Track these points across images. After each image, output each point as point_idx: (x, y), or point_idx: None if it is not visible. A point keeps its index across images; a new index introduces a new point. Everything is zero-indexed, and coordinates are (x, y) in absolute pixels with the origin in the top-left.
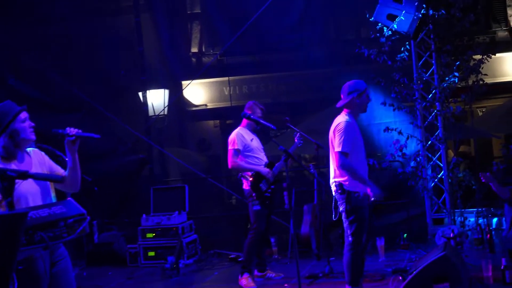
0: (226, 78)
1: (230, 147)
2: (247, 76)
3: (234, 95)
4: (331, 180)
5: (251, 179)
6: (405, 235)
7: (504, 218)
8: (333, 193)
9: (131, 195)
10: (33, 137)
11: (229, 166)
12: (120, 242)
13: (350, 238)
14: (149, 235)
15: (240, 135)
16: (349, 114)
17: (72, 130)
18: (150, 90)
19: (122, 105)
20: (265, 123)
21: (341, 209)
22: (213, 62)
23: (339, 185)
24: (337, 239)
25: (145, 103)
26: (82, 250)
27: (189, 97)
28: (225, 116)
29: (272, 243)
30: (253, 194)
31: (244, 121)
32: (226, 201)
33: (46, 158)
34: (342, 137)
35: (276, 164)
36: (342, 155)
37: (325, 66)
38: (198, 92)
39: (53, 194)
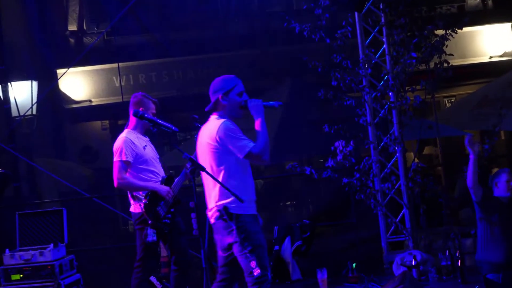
0: (115, 65)
1: (116, 159)
2: (144, 62)
3: (127, 86)
4: (211, 205)
5: (144, 201)
6: (354, 264)
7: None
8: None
9: None
10: None
11: (115, 184)
12: None
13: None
14: (15, 276)
15: (129, 142)
16: (222, 117)
17: None
18: (13, 83)
19: None
20: (165, 123)
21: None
22: (97, 43)
23: (224, 209)
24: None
25: (6, 100)
26: None
27: (67, 91)
28: (116, 115)
29: None
30: (149, 222)
31: (133, 121)
32: (121, 228)
33: None
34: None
35: (176, 179)
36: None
37: (246, 46)
38: (78, 83)
39: None
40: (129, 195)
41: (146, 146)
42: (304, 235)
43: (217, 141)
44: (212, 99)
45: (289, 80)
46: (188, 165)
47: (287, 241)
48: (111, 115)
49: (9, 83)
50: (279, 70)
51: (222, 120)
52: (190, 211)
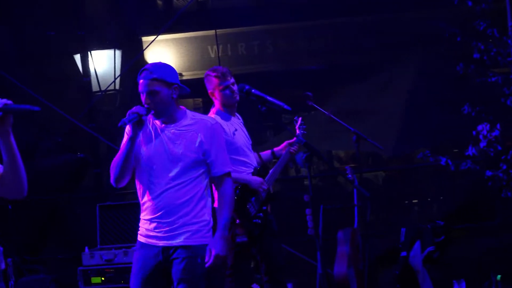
0: (211, 32)
1: None
2: (245, 29)
3: (225, 58)
4: None
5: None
6: (499, 276)
7: None
8: None
9: (64, 218)
10: None
11: None
12: None
13: None
14: (95, 279)
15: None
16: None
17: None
18: (93, 52)
19: (47, 75)
20: (276, 101)
21: None
22: (190, 6)
23: None
24: (392, 284)
25: (85, 72)
26: None
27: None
28: None
29: None
30: (236, 221)
31: (218, 100)
32: None
33: None
34: None
35: (271, 170)
36: None
37: (366, 11)
38: (167, 54)
39: None
40: (214, 189)
41: (236, 130)
42: (437, 239)
43: None
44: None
45: (418, 52)
46: (291, 150)
47: (416, 246)
48: (205, 91)
49: (88, 52)
50: (406, 40)
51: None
52: (287, 209)
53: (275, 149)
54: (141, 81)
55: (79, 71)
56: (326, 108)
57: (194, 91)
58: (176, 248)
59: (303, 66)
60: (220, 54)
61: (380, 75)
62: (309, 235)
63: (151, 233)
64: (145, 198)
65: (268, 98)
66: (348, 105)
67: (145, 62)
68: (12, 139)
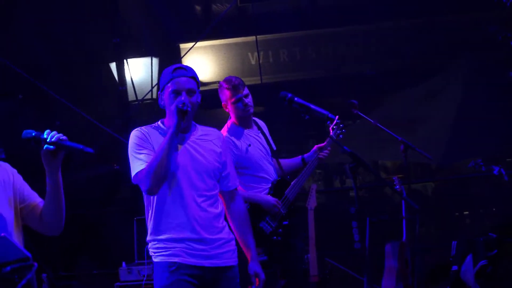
0: (252, 38)
1: None
2: (287, 34)
3: (266, 65)
4: None
5: None
6: None
7: None
8: None
9: (100, 233)
10: None
11: None
12: None
13: None
14: None
15: (230, 143)
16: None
17: (53, 135)
18: (129, 60)
19: (83, 85)
20: (320, 109)
21: None
22: (230, 11)
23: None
24: None
25: (121, 81)
26: None
27: None
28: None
29: None
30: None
31: (233, 114)
32: None
33: (18, 177)
34: None
35: (293, 181)
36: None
37: (411, 14)
38: (206, 61)
39: (18, 231)
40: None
41: (250, 145)
42: (490, 253)
43: None
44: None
45: (469, 57)
46: (321, 155)
47: (468, 259)
48: None
49: (124, 60)
50: (456, 45)
51: (136, 129)
52: (332, 221)
53: (305, 155)
54: (181, 78)
55: (115, 80)
56: (372, 117)
57: None
58: (222, 268)
59: (347, 73)
60: (261, 61)
61: (429, 82)
62: (355, 248)
63: (190, 252)
64: (171, 214)
65: (312, 106)
66: (396, 113)
67: None
68: (60, 177)
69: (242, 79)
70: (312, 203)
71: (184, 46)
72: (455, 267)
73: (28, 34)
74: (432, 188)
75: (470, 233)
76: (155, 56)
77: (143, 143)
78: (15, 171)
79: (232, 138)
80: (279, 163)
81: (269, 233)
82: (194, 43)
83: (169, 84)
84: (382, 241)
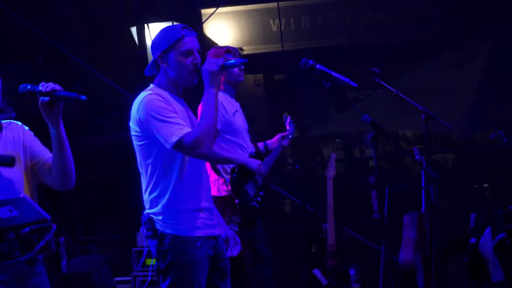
0: (273, 4)
1: None
2: (309, 1)
3: (288, 31)
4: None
5: (231, 175)
6: None
7: None
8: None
9: (119, 197)
10: None
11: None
12: (103, 272)
13: None
14: (150, 261)
15: (219, 105)
16: (158, 86)
17: (48, 86)
18: (150, 24)
19: (103, 49)
20: (341, 77)
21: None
22: None
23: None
24: (461, 273)
25: (141, 45)
26: None
27: (213, 36)
28: (272, 67)
29: (351, 278)
30: (236, 202)
31: (224, 78)
32: (275, 208)
33: (28, 135)
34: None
35: (268, 157)
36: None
37: None
38: (227, 27)
39: (27, 190)
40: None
41: (236, 111)
42: (509, 226)
43: (138, 124)
44: (152, 59)
45: (494, 25)
46: (283, 143)
47: (487, 232)
48: (267, 67)
49: (145, 25)
50: (481, 13)
51: (147, 93)
52: (351, 191)
53: (268, 141)
54: (192, 37)
55: (136, 44)
56: (394, 86)
57: (254, 66)
58: (219, 237)
59: (370, 41)
60: (282, 28)
61: (452, 51)
62: (373, 218)
63: (207, 222)
64: (190, 183)
65: (334, 74)
66: (417, 83)
67: (204, 36)
68: (62, 129)
69: (264, 46)
70: (331, 172)
71: (205, 11)
72: (473, 240)
73: None
74: (452, 160)
75: (489, 205)
76: (176, 21)
77: (167, 107)
78: (25, 128)
79: (222, 100)
80: (255, 144)
81: (250, 197)
82: (215, 8)
83: (179, 43)
84: (400, 211)
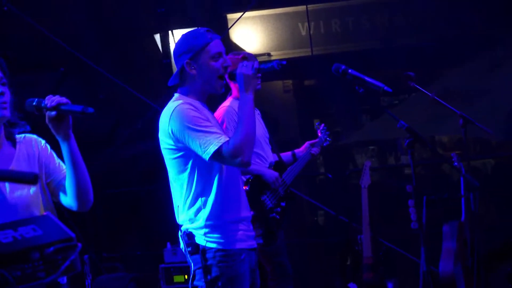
0: (303, 8)
1: None
2: (339, 4)
3: (317, 35)
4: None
5: (245, 187)
6: None
7: None
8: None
9: (144, 211)
10: (6, 113)
11: None
12: None
13: None
14: (178, 278)
15: (233, 113)
16: (185, 95)
17: (54, 100)
18: (175, 31)
19: (126, 58)
20: (375, 82)
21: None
22: None
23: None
24: (504, 283)
25: (165, 53)
26: None
27: (240, 41)
28: (301, 73)
29: None
30: (251, 212)
31: (234, 88)
32: (306, 220)
33: (44, 150)
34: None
35: (291, 166)
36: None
37: None
38: (255, 32)
39: (43, 208)
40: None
41: None
42: None
43: (170, 137)
44: (177, 67)
45: None
46: (312, 151)
47: None
48: (296, 73)
49: (169, 31)
50: None
51: (177, 103)
52: (387, 200)
53: (296, 150)
54: (218, 40)
55: (160, 51)
56: (430, 90)
57: (283, 72)
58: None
59: (403, 44)
60: (311, 32)
61: (490, 53)
62: (411, 229)
63: (248, 233)
64: (228, 193)
65: (367, 78)
66: (455, 86)
67: (230, 42)
68: (74, 144)
69: (293, 51)
70: (365, 180)
71: (231, 16)
72: None
73: (71, 6)
74: (492, 165)
75: None
76: (201, 27)
77: (201, 116)
78: (41, 143)
79: (237, 109)
80: (278, 154)
81: (268, 208)
82: (242, 13)
83: (208, 47)
84: (439, 221)
